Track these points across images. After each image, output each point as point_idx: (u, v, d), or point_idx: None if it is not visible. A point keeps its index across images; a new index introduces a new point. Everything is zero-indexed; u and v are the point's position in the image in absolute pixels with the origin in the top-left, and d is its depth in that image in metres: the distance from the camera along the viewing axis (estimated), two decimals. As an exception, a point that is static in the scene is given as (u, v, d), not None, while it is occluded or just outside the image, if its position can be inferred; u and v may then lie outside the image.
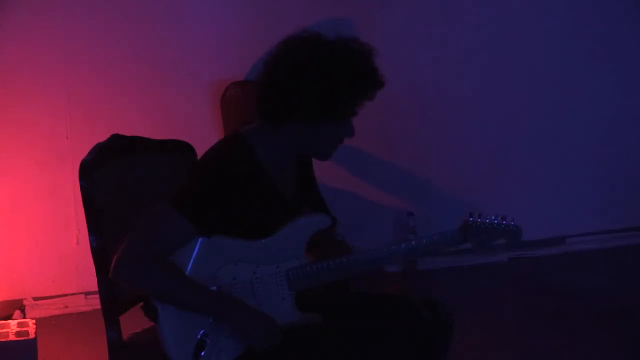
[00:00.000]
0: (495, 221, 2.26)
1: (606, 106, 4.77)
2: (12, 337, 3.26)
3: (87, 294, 4.09)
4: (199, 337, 2.15)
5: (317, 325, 2.23)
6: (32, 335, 3.27)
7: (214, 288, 2.15)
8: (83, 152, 2.33)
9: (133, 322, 2.38)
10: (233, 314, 2.13)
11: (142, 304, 2.21)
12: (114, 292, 2.29)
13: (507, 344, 3.59)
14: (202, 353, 2.14)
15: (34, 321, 3.38)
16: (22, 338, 3.26)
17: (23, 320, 3.43)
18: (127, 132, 2.47)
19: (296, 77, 2.12)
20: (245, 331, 2.14)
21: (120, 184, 2.39)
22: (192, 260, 2.14)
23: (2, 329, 3.30)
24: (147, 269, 2.08)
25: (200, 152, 2.30)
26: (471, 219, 2.25)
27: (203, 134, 3.90)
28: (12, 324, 3.35)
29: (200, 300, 2.13)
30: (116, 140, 2.41)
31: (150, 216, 2.12)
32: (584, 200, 4.79)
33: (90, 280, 2.37)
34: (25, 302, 4.06)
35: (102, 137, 2.41)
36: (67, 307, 4.10)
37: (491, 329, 3.73)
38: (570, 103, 4.71)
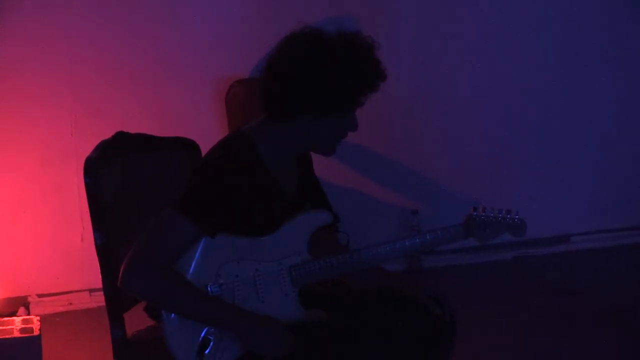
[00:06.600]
0: (500, 215, 2.26)
1: (611, 105, 4.76)
2: (16, 334, 3.27)
3: (91, 291, 4.10)
4: (202, 335, 2.15)
5: (321, 322, 2.23)
6: (36, 332, 3.27)
7: (216, 287, 2.15)
8: (88, 150, 2.33)
9: (137, 319, 2.38)
10: (243, 325, 2.12)
11: (145, 304, 2.21)
12: (118, 290, 2.29)
13: (511, 342, 3.59)
14: (206, 351, 2.14)
15: (38, 318, 3.38)
16: (26, 335, 3.26)
17: (27, 317, 3.44)
18: (132, 129, 2.47)
19: (299, 71, 2.12)
20: (257, 343, 2.13)
21: (125, 181, 2.39)
22: (194, 260, 2.13)
23: (7, 325, 3.31)
24: (157, 279, 2.08)
25: (204, 149, 2.30)
26: (475, 213, 2.26)
27: (208, 131, 3.90)
28: (17, 321, 3.36)
29: (214, 313, 2.12)
30: (121, 137, 2.41)
31: (155, 223, 2.11)
32: (589, 199, 4.78)
33: (94, 277, 2.37)
34: (29, 299, 4.07)
35: (107, 134, 2.41)
36: (71, 304, 4.10)
37: (495, 327, 3.72)
38: (575, 102, 4.70)
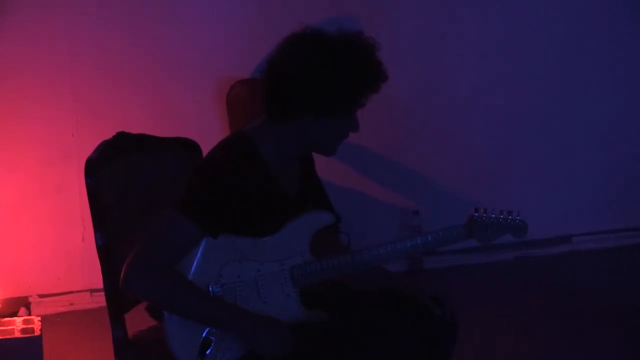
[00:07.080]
0: (501, 216, 2.27)
1: (611, 105, 4.76)
2: (17, 334, 3.27)
3: (92, 291, 4.10)
4: (204, 335, 2.15)
5: (322, 322, 2.23)
6: (37, 333, 3.28)
7: (218, 287, 2.15)
8: (89, 150, 2.33)
9: (139, 320, 2.38)
10: (244, 326, 2.12)
11: (146, 304, 2.21)
12: (119, 290, 2.29)
13: (512, 342, 3.59)
14: (208, 352, 2.14)
15: (39, 318, 3.38)
16: (27, 335, 3.27)
17: (28, 317, 3.44)
18: (133, 129, 2.47)
19: (300, 72, 2.13)
20: (258, 344, 2.13)
21: (126, 182, 2.39)
22: (196, 260, 2.13)
23: (8, 326, 3.32)
24: (158, 279, 2.08)
25: (205, 149, 2.30)
26: (476, 214, 2.26)
27: (209, 132, 3.90)
28: (18, 321, 3.36)
29: (215, 313, 2.12)
30: (122, 138, 2.42)
31: (156, 223, 2.11)
32: (590, 199, 4.79)
33: (95, 277, 2.38)
34: (30, 299, 4.07)
35: (108, 134, 2.41)
36: (72, 304, 4.10)
37: (496, 328, 3.72)
38: (575, 102, 4.71)
